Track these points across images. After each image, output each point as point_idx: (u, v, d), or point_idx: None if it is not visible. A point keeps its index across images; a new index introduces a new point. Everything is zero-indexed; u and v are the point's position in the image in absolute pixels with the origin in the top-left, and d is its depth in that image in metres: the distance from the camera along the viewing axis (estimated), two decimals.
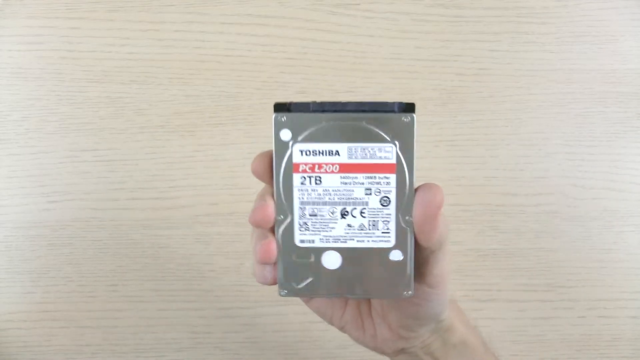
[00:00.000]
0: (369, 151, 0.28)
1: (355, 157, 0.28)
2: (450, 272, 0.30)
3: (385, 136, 0.27)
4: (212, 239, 0.54)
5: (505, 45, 0.55)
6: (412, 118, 0.27)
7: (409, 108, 0.27)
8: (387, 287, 0.29)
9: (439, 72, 0.55)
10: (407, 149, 0.27)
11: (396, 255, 0.28)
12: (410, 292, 0.29)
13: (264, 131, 0.54)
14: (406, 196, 0.28)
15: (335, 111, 0.28)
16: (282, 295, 0.29)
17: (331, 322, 0.34)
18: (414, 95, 0.55)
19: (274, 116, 0.28)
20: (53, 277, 0.53)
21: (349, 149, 0.28)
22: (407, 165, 0.28)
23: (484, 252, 0.54)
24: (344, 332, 0.34)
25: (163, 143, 0.54)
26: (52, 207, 0.53)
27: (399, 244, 0.28)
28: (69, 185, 0.53)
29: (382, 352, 0.34)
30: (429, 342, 0.33)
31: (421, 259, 0.29)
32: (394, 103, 0.27)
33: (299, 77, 0.55)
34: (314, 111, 0.28)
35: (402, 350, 0.33)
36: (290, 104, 0.28)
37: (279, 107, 0.28)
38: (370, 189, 0.28)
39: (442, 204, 0.27)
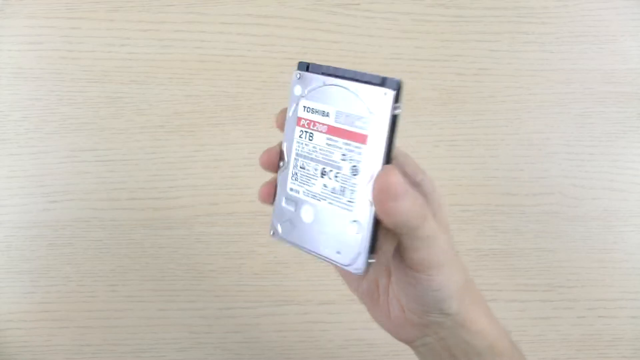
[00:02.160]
0: (350, 118, 0.29)
1: (340, 122, 0.29)
2: (442, 263, 0.29)
3: (366, 107, 0.28)
4: (212, 239, 0.54)
5: (505, 45, 0.55)
6: (391, 94, 0.27)
7: (391, 84, 0.28)
8: (342, 256, 0.29)
9: (439, 72, 0.55)
10: (381, 124, 0.28)
11: (353, 228, 0.28)
12: (359, 271, 0.28)
13: (264, 131, 0.54)
14: (374, 171, 0.28)
15: (334, 76, 0.29)
16: (271, 236, 0.32)
17: (352, 290, 0.35)
18: (414, 95, 0.55)
19: (294, 72, 0.31)
20: (53, 277, 0.53)
21: (337, 113, 0.29)
22: (379, 140, 0.28)
23: (484, 252, 0.54)
24: (364, 304, 0.35)
25: (163, 143, 0.54)
26: (52, 207, 0.53)
27: (358, 217, 0.28)
28: (69, 185, 0.53)
29: (400, 338, 0.34)
30: (443, 336, 0.32)
31: (400, 240, 0.29)
32: (384, 78, 0.28)
33: None
34: (322, 73, 0.30)
35: (419, 339, 0.33)
36: (309, 64, 0.30)
37: (300, 66, 0.31)
38: (345, 155, 0.29)
39: (392, 191, 0.26)
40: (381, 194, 0.27)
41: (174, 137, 0.54)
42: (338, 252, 0.29)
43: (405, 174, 0.32)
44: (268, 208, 0.57)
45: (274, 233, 0.32)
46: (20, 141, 0.54)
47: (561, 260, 0.54)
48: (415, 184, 0.31)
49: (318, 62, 0.30)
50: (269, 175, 0.56)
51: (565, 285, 0.54)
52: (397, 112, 0.27)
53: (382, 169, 0.27)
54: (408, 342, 0.34)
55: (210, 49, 0.55)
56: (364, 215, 0.28)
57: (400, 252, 0.29)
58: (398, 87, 0.27)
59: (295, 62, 0.59)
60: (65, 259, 0.53)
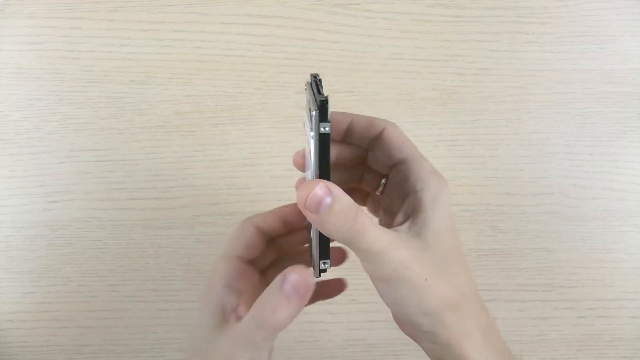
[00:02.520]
0: (308, 134, 0.29)
1: (310, 135, 0.30)
2: (395, 279, 0.28)
3: (312, 124, 0.28)
4: (212, 239, 0.53)
5: (505, 45, 0.55)
6: (316, 114, 0.27)
7: (320, 104, 0.27)
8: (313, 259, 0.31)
9: (439, 72, 0.55)
10: (315, 141, 0.28)
11: (311, 234, 0.30)
12: (314, 274, 0.30)
13: (264, 131, 0.54)
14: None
15: (312, 92, 0.29)
16: None
17: None
18: (414, 95, 0.55)
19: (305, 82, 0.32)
20: (53, 277, 0.53)
21: (309, 127, 0.30)
22: (314, 156, 0.28)
23: (484, 252, 0.54)
24: None
25: (163, 143, 0.54)
26: (52, 207, 0.53)
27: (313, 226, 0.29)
28: (69, 185, 0.53)
29: (403, 331, 0.33)
30: (432, 347, 0.31)
31: None
32: (324, 97, 0.28)
33: (299, 77, 0.55)
34: (310, 84, 0.30)
35: (415, 338, 0.32)
36: (312, 78, 0.30)
37: (310, 77, 0.31)
38: (310, 167, 0.30)
39: (310, 205, 0.27)
40: (301, 206, 0.27)
41: (174, 137, 0.54)
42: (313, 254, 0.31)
43: (404, 180, 0.31)
44: (266, 209, 0.57)
45: None
46: (20, 141, 0.54)
47: (561, 260, 0.54)
48: (409, 192, 0.31)
49: (320, 74, 0.31)
50: (266, 176, 0.57)
51: (565, 285, 0.54)
52: (322, 130, 0.27)
53: (303, 183, 0.28)
54: (409, 336, 0.33)
55: (210, 49, 0.55)
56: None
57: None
58: (322, 107, 0.27)
59: (295, 62, 0.60)
60: (65, 259, 0.53)
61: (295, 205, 0.34)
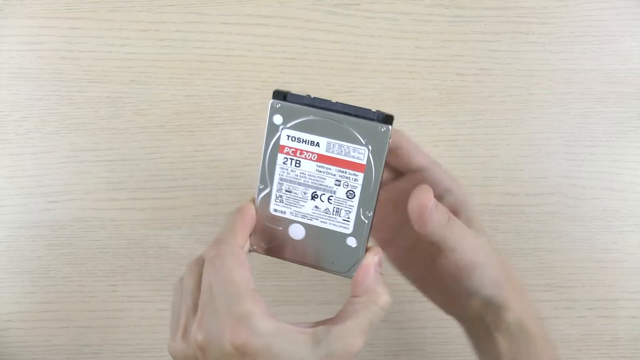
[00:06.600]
0: (345, 149, 0.31)
1: (332, 152, 0.31)
2: (477, 265, 0.35)
3: (361, 139, 0.31)
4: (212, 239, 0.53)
5: (505, 45, 0.55)
6: (388, 129, 0.30)
7: (388, 120, 0.30)
8: (339, 264, 0.33)
9: (439, 72, 0.55)
10: (378, 154, 0.31)
11: (351, 242, 0.33)
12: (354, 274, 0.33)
13: (264, 131, 0.54)
14: (369, 194, 0.31)
15: (323, 108, 0.31)
16: (251, 250, 0.35)
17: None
18: (414, 95, 0.55)
19: (271, 102, 0.31)
20: (53, 277, 0.53)
21: (328, 143, 0.31)
22: (375, 168, 0.31)
23: None
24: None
25: (163, 143, 0.54)
26: (52, 207, 0.53)
27: (356, 233, 0.32)
28: (69, 185, 0.53)
29: (452, 313, 0.39)
30: (481, 313, 0.36)
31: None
32: (376, 112, 0.31)
33: (299, 77, 0.55)
34: (306, 104, 0.31)
35: (461, 317, 0.39)
36: (287, 93, 0.31)
37: (277, 95, 0.31)
38: (340, 181, 0.32)
39: (424, 205, 0.32)
40: (421, 208, 0.32)
41: (174, 137, 0.54)
42: (332, 263, 0.34)
43: (434, 184, 0.36)
44: None
45: (256, 248, 0.35)
46: (20, 141, 0.54)
47: (561, 260, 0.54)
48: (442, 193, 0.37)
49: (294, 91, 0.31)
50: None
51: (565, 285, 0.54)
52: (390, 142, 0.31)
53: (417, 189, 0.33)
54: (456, 315, 0.39)
55: (210, 49, 0.55)
56: (361, 230, 0.32)
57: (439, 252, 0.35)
58: (392, 122, 0.30)
59: (295, 62, 0.59)
60: (65, 259, 0.53)
61: None
